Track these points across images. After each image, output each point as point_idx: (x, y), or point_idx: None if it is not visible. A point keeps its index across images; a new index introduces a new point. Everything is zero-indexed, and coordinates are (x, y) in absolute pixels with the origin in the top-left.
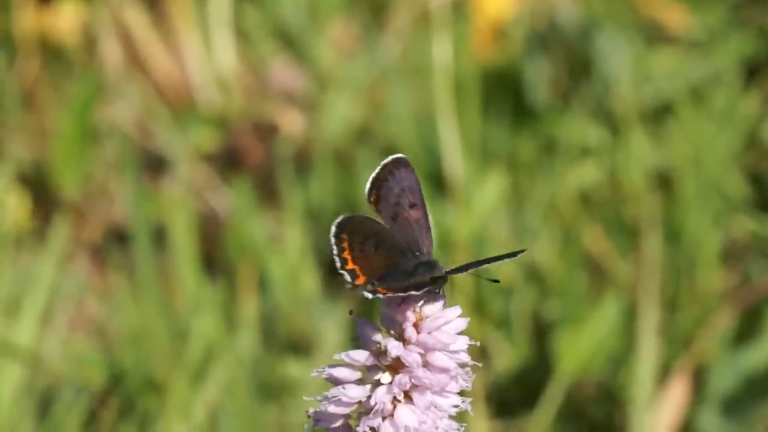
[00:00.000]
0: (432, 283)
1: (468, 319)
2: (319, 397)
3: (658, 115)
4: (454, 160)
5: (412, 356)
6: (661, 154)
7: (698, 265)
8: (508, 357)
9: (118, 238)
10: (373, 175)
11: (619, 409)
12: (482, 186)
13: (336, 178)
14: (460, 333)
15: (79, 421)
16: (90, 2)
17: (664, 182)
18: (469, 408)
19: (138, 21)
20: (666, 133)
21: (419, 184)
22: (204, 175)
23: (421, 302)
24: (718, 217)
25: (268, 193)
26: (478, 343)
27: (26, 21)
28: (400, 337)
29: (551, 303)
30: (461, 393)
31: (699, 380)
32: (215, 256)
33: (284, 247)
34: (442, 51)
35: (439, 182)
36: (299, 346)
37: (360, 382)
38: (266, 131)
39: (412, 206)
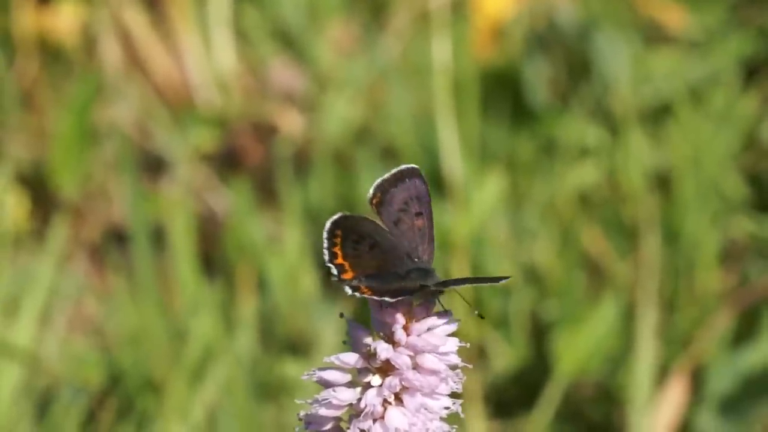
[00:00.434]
0: (408, 292)
1: (459, 320)
2: (309, 400)
3: (657, 115)
4: (454, 160)
5: (401, 359)
6: (659, 154)
7: (697, 265)
8: (506, 357)
9: (117, 238)
10: (381, 178)
11: (618, 410)
12: (481, 186)
13: (335, 178)
14: (451, 335)
15: (78, 421)
16: (89, 3)
17: (663, 182)
18: (459, 410)
19: (137, 21)
20: (665, 133)
21: (429, 195)
22: (203, 175)
23: (415, 305)
24: (717, 218)
25: (267, 193)
26: (468, 345)
27: (26, 21)
28: (390, 340)
29: (550, 303)
30: (452, 395)
31: (697, 381)
32: (214, 256)
33: (283, 248)
34: (441, 51)
35: (438, 182)
36: (298, 347)
37: (350, 384)
38: (265, 131)
39: (418, 215)
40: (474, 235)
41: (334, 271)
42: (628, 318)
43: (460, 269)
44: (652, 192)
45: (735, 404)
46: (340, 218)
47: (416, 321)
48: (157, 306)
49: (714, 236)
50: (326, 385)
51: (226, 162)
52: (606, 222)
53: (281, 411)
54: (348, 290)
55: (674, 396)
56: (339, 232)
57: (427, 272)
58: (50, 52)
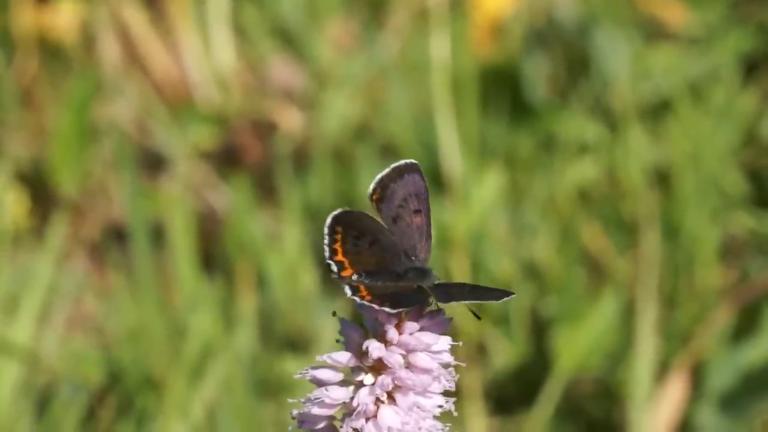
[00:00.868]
0: (413, 298)
1: (451, 318)
2: (302, 399)
3: (657, 111)
4: (453, 157)
5: (394, 357)
6: (659, 150)
7: (697, 261)
8: (506, 354)
9: (117, 236)
10: (381, 174)
11: (618, 406)
12: (480, 183)
13: (334, 175)
14: (444, 333)
15: (77, 419)
16: (89, 0)
17: (663, 179)
18: (452, 408)
19: (136, 19)
20: (664, 129)
21: (427, 192)
22: (202, 172)
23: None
24: (717, 214)
25: (266, 190)
26: (461, 343)
27: (25, 19)
28: (382, 338)
29: (549, 300)
30: (445, 393)
31: (697, 377)
32: (213, 253)
33: (283, 245)
34: (440, 48)
35: (437, 179)
36: (297, 344)
37: (343, 383)
38: (265, 129)
39: (416, 212)
40: (473, 231)
41: (334, 268)
42: (628, 314)
43: (459, 266)
44: (652, 188)
45: (735, 400)
46: (340, 214)
47: (409, 320)
48: (156, 303)
49: (714, 232)
50: (319, 383)
51: (226, 159)
52: (606, 218)
53: (281, 408)
54: (348, 291)
55: (674, 392)
56: (339, 228)
57: (424, 272)
58: (49, 50)
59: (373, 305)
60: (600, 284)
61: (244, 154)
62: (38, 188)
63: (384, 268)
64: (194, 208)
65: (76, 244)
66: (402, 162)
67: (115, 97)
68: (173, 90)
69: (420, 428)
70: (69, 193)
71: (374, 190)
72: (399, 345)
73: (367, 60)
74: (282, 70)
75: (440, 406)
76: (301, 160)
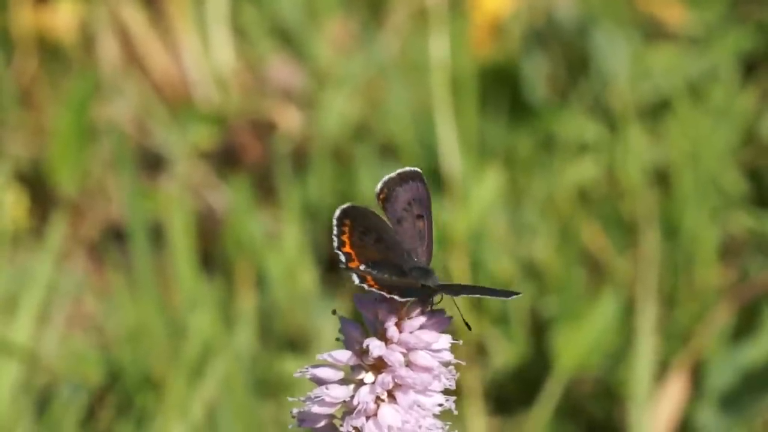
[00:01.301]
0: (420, 292)
1: (451, 317)
2: (302, 398)
3: (656, 111)
4: (452, 156)
5: (394, 356)
6: (659, 150)
7: (696, 261)
8: (506, 354)
9: (116, 235)
10: (387, 176)
11: (618, 406)
12: (480, 182)
13: (334, 175)
14: (444, 332)
15: (77, 419)
16: (88, 0)
17: (662, 178)
18: (452, 406)
19: (135, 19)
20: (664, 129)
21: (429, 199)
22: (201, 172)
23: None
24: (716, 213)
25: (265, 190)
26: (461, 342)
27: (24, 19)
28: (383, 337)
29: (549, 299)
30: (445, 392)
31: (697, 376)
32: (213, 253)
33: (282, 245)
34: (439, 48)
35: (437, 179)
36: (297, 343)
37: (343, 381)
38: (264, 129)
39: (419, 217)
40: (473, 231)
41: (342, 258)
42: (628, 313)
43: (458, 265)
44: (651, 187)
45: (735, 399)
46: (348, 208)
47: (409, 318)
48: (156, 303)
49: (713, 231)
50: (319, 382)
51: (225, 159)
52: (605, 218)
53: (280, 408)
54: (355, 279)
55: (674, 391)
56: (347, 221)
57: (427, 272)
58: (48, 50)
59: (383, 292)
60: (600, 284)
61: (243, 154)
62: (37, 188)
63: (390, 262)
64: (193, 207)
65: (75, 244)
66: (406, 169)
67: (114, 97)
68: (172, 90)
69: (420, 427)
70: (68, 192)
71: (381, 189)
72: (399, 343)
73: (366, 59)
74: (281, 70)
75: (440, 405)
76: (300, 159)
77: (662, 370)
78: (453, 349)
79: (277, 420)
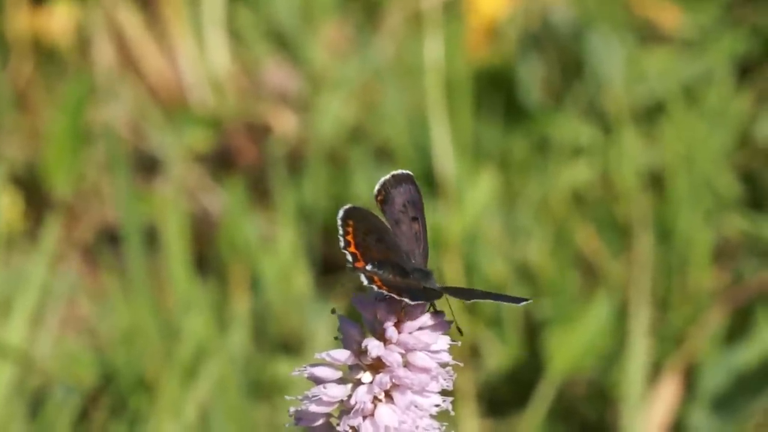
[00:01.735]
0: (427, 295)
1: (452, 321)
2: (300, 397)
3: (651, 114)
4: (447, 159)
5: (392, 356)
6: (653, 153)
7: (690, 263)
8: (499, 356)
9: (110, 238)
10: (384, 178)
11: (611, 408)
12: (474, 185)
13: (329, 178)
14: (443, 333)
15: (71, 420)
16: (83, 3)
17: (656, 181)
18: (450, 407)
19: (131, 22)
20: (658, 132)
21: (422, 201)
22: (196, 175)
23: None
24: (710, 216)
25: (260, 193)
26: (459, 343)
27: (19, 22)
28: (381, 337)
29: (543, 302)
30: (442, 392)
31: (690, 378)
32: (207, 256)
33: (276, 247)
34: (434, 51)
35: (431, 182)
36: (291, 346)
37: (341, 381)
38: (259, 132)
39: (413, 219)
40: (467, 233)
41: (349, 257)
42: (621, 316)
43: (452, 268)
44: (646, 190)
45: (728, 402)
46: (350, 209)
47: (408, 319)
48: (150, 305)
49: (707, 234)
50: (317, 381)
51: (220, 162)
52: (599, 221)
53: (274, 410)
54: (364, 279)
55: (667, 393)
56: (351, 222)
57: (427, 274)
58: (44, 53)
59: (392, 294)
60: (593, 286)
61: (238, 157)
62: (32, 191)
63: (392, 263)
64: (188, 210)
65: (69, 247)
66: (398, 171)
67: (109, 100)
68: (168, 93)
69: (417, 427)
70: (63, 195)
71: (379, 191)
72: (398, 344)
73: (362, 63)
74: (276, 73)
75: (437, 406)
76: (295, 162)
77: (655, 372)
78: (449, 350)
79: (270, 422)
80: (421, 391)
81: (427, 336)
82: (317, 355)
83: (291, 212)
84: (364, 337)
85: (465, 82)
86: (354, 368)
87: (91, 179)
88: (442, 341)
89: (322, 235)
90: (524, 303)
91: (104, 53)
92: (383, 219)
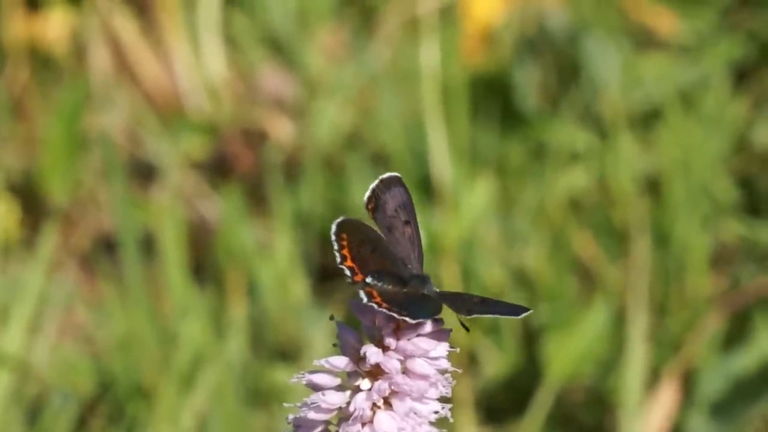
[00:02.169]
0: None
1: (451, 330)
2: (298, 404)
3: (647, 119)
4: (443, 165)
5: (391, 363)
6: (650, 158)
7: (687, 269)
8: (497, 363)
9: (107, 245)
10: (373, 184)
11: (609, 414)
12: (471, 191)
13: (325, 184)
14: (442, 339)
15: (68, 428)
16: (79, 10)
17: (653, 186)
18: (449, 414)
19: (127, 28)
20: (655, 137)
21: (412, 203)
22: (193, 182)
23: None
24: (707, 221)
25: (257, 199)
26: (458, 350)
27: (15, 29)
28: (380, 344)
29: (540, 308)
30: (441, 399)
31: (688, 384)
32: (204, 262)
33: (273, 254)
34: (430, 57)
35: (428, 187)
36: (288, 353)
37: (340, 388)
38: (255, 138)
39: (406, 223)
40: (464, 239)
41: (347, 272)
42: (619, 322)
43: (449, 274)
44: (643, 196)
45: (726, 407)
46: (343, 221)
47: (406, 325)
48: (147, 312)
49: (704, 239)
50: (315, 388)
51: (216, 168)
52: (596, 226)
53: (271, 417)
54: (364, 297)
55: (665, 399)
56: (345, 235)
57: (424, 280)
58: (40, 60)
59: (392, 313)
60: (591, 292)
61: (234, 163)
62: (29, 198)
63: (389, 272)
64: (185, 217)
65: (66, 254)
66: (386, 175)
67: (105, 107)
68: (164, 99)
69: None
70: (59, 202)
71: (369, 199)
72: (397, 350)
73: (358, 68)
74: (272, 79)
75: (436, 412)
76: (291, 168)
77: (653, 378)
78: (448, 356)
79: (267, 429)
80: (420, 398)
81: (425, 343)
82: (316, 362)
83: (288, 219)
84: (362, 343)
85: (461, 87)
86: (352, 375)
87: (87, 186)
88: (441, 348)
89: (319, 242)
90: (524, 315)
91: (100, 60)
92: (375, 227)
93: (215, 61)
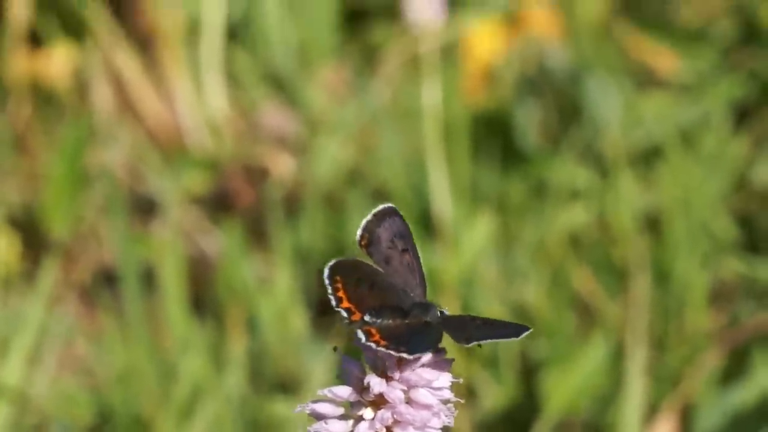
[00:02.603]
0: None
1: (453, 359)
2: None
3: (648, 158)
4: (444, 202)
5: (394, 393)
6: (650, 196)
7: (687, 305)
8: (495, 396)
9: (108, 280)
10: (365, 220)
11: None
12: (471, 228)
13: (326, 220)
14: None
15: None
16: (81, 46)
17: (653, 224)
18: None
19: (129, 65)
20: (655, 175)
21: (410, 231)
22: (194, 217)
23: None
24: (707, 259)
25: (258, 235)
26: (462, 380)
27: (17, 65)
28: (383, 374)
29: (539, 343)
30: (443, 429)
31: (686, 419)
32: (204, 297)
33: (273, 289)
34: (431, 95)
35: (428, 224)
36: (287, 386)
37: (343, 417)
38: (257, 174)
39: (404, 251)
40: (464, 275)
41: (344, 314)
42: (618, 357)
43: (450, 310)
44: (643, 233)
45: None
46: (336, 263)
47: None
48: (147, 346)
49: (704, 277)
50: (318, 417)
51: (218, 204)
52: (596, 263)
53: None
54: (361, 337)
55: None
56: (339, 277)
57: (427, 307)
58: (42, 96)
59: (390, 351)
60: (590, 327)
61: (236, 199)
62: (30, 232)
63: (389, 306)
64: (186, 252)
65: (67, 288)
66: (380, 207)
67: (107, 143)
68: (165, 136)
69: None
70: (61, 237)
71: (362, 235)
72: (400, 380)
73: (359, 106)
74: (274, 116)
75: None
76: (292, 205)
77: (651, 413)
78: (451, 387)
79: None
80: (423, 428)
81: (428, 373)
82: (319, 392)
83: (288, 254)
84: (365, 374)
85: (462, 125)
86: (355, 405)
87: (88, 221)
88: (444, 378)
89: (319, 277)
90: (524, 334)
91: (102, 96)
92: (371, 262)
93: (217, 98)
